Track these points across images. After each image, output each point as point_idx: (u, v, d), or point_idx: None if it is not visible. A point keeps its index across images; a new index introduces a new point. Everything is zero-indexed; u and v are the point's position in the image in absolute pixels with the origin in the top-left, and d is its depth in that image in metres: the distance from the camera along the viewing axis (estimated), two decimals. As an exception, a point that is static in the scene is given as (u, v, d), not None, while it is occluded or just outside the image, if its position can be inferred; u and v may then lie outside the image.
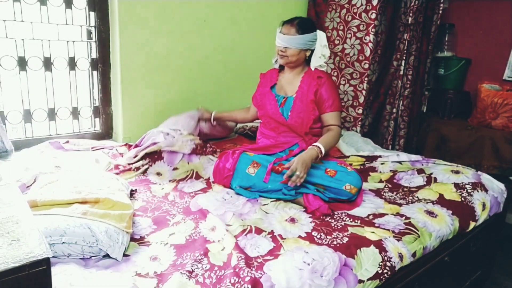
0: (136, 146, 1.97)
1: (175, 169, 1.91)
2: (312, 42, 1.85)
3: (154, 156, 1.91)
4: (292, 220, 1.53)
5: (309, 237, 1.39)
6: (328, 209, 1.62)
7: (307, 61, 1.92)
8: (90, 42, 2.15)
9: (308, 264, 1.20)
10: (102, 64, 2.19)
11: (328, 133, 1.83)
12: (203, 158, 2.01)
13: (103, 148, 1.97)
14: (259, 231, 1.42)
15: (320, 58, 1.87)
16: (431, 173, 1.96)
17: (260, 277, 1.13)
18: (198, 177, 1.91)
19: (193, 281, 1.11)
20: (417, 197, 1.79)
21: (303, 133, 1.87)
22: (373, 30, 2.71)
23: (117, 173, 1.76)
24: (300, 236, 1.39)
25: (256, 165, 1.79)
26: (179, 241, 1.32)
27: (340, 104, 1.90)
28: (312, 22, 1.93)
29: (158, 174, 1.88)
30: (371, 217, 1.59)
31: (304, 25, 1.82)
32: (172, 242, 1.31)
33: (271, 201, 1.69)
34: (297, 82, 1.92)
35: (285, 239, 1.37)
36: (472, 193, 1.81)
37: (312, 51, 1.88)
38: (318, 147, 1.71)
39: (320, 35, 1.87)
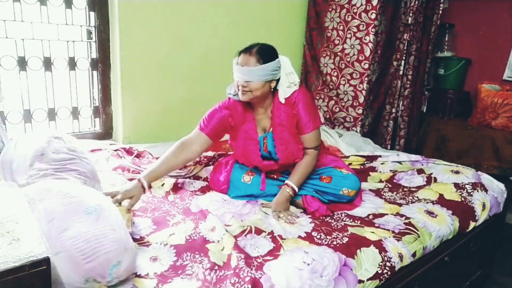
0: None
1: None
2: (276, 71, 1.59)
3: None
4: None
5: (309, 237, 1.39)
6: (327, 210, 1.62)
7: (274, 90, 1.66)
8: (90, 42, 2.15)
9: (308, 264, 1.20)
10: (102, 64, 2.19)
11: (300, 164, 1.67)
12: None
13: (100, 150, 1.96)
14: (258, 231, 1.42)
15: (289, 88, 1.62)
16: (431, 173, 1.96)
17: (260, 277, 1.13)
18: (197, 177, 1.91)
19: (194, 281, 1.11)
20: (417, 197, 1.79)
21: (293, 163, 1.70)
22: (373, 30, 2.70)
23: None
24: (300, 236, 1.39)
25: (251, 173, 1.75)
26: (179, 242, 1.32)
27: (318, 119, 1.69)
28: (272, 48, 1.63)
29: None
30: (371, 217, 1.59)
31: (265, 52, 1.58)
32: (172, 243, 1.31)
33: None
34: (268, 116, 1.69)
35: (285, 239, 1.37)
36: (472, 193, 1.81)
37: (277, 80, 1.63)
38: (290, 186, 1.62)
39: (284, 61, 1.62)
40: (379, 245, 1.35)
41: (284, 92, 1.62)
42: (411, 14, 2.83)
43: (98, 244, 1.03)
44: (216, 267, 1.18)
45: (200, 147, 1.69)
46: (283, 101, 1.63)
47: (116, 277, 1.04)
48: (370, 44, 2.73)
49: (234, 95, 1.68)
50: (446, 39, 3.41)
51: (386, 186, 1.93)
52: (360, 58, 2.79)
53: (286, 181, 1.64)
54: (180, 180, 1.81)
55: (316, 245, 1.32)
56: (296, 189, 1.62)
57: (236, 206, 1.63)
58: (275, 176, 1.74)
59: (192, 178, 1.88)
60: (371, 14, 2.69)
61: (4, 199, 1.10)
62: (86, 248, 1.01)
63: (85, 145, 1.91)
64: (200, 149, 1.70)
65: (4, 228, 0.91)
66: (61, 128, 2.16)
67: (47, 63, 2.02)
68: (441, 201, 1.74)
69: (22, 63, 1.94)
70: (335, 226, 1.48)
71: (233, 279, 1.11)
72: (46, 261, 0.81)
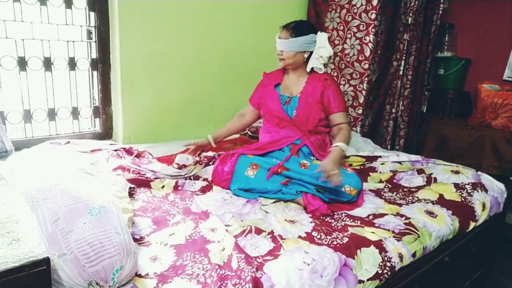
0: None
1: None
2: (308, 44, 1.87)
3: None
4: (292, 220, 1.53)
5: (309, 237, 1.38)
6: (328, 209, 1.62)
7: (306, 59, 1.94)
8: (90, 42, 2.15)
9: (308, 264, 1.20)
10: (102, 64, 2.19)
11: (341, 132, 1.88)
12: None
13: (100, 150, 1.96)
14: (258, 231, 1.42)
15: (317, 59, 1.90)
16: (431, 173, 1.96)
17: (261, 277, 1.13)
18: (197, 177, 1.91)
19: (194, 282, 1.11)
20: (417, 197, 1.78)
21: (307, 130, 1.91)
22: (373, 30, 2.70)
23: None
24: (300, 236, 1.39)
25: (255, 167, 1.79)
26: (179, 241, 1.32)
27: (345, 104, 1.97)
28: (309, 24, 1.96)
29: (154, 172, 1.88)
30: (371, 217, 1.58)
31: (298, 28, 1.87)
32: (172, 243, 1.31)
33: (271, 202, 1.70)
34: (301, 83, 1.96)
35: (285, 239, 1.37)
36: (472, 193, 1.81)
37: (311, 52, 1.91)
38: (339, 146, 1.75)
39: (320, 37, 1.88)
40: (379, 245, 1.35)
41: (313, 62, 1.90)
42: (411, 14, 2.83)
43: (103, 248, 1.03)
44: (217, 267, 1.18)
45: (250, 116, 2.12)
46: (308, 69, 1.92)
47: (118, 282, 1.04)
48: (370, 44, 2.73)
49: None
50: (446, 39, 3.41)
51: (386, 186, 1.93)
52: (360, 58, 2.79)
53: (334, 143, 1.79)
54: (180, 182, 1.81)
55: (316, 245, 1.32)
56: (346, 148, 1.78)
57: (236, 206, 1.63)
58: (279, 170, 1.75)
59: (192, 178, 1.88)
60: (371, 14, 2.69)
61: (4, 199, 1.10)
62: (90, 251, 1.02)
63: (85, 146, 1.92)
64: (251, 118, 2.13)
65: (4, 228, 0.91)
66: (61, 128, 2.16)
67: (47, 63, 2.02)
68: (441, 201, 1.74)
69: (22, 63, 1.94)
70: (335, 226, 1.48)
71: (234, 280, 1.11)
72: (46, 261, 0.81)
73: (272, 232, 1.41)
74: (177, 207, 1.58)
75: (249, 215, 1.56)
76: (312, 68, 1.93)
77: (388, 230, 1.46)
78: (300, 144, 1.90)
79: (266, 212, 1.58)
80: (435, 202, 1.72)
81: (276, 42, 1.92)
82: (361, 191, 1.73)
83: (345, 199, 1.67)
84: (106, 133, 2.31)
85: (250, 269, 1.15)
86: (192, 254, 1.24)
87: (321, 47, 1.88)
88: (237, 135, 2.54)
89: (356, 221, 1.53)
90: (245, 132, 2.55)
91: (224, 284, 1.10)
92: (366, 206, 1.69)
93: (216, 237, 1.36)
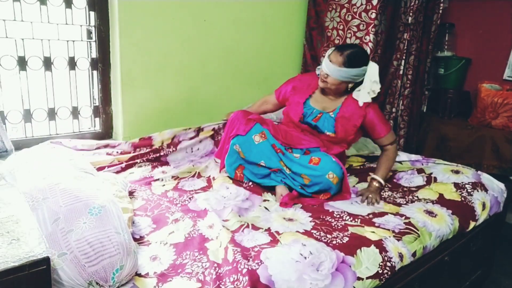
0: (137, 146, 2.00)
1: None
2: (357, 77, 1.82)
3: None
4: (291, 219, 1.53)
5: (307, 234, 1.39)
6: (294, 199, 1.69)
7: (350, 88, 1.88)
8: (90, 42, 2.15)
9: (305, 257, 1.20)
10: (102, 64, 2.19)
11: (383, 158, 1.91)
12: (208, 162, 2.06)
13: (104, 147, 1.98)
14: (256, 228, 1.42)
15: (368, 94, 1.84)
16: (431, 173, 1.97)
17: (257, 269, 1.14)
18: (199, 175, 1.93)
19: (194, 280, 1.11)
20: (417, 196, 1.79)
21: (335, 143, 1.92)
22: (373, 29, 2.70)
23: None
24: (298, 231, 1.40)
25: (263, 137, 1.79)
26: (179, 240, 1.32)
27: (389, 125, 1.99)
28: (365, 56, 1.85)
29: (163, 172, 1.91)
30: (371, 216, 1.59)
31: (353, 58, 1.77)
32: (172, 241, 1.31)
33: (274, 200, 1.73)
34: (338, 103, 1.92)
35: (282, 233, 1.37)
36: (472, 192, 1.81)
37: (358, 83, 1.85)
38: (377, 180, 1.83)
39: (372, 69, 1.83)
40: (380, 245, 1.35)
41: (364, 96, 1.83)
42: (411, 14, 2.83)
43: (103, 248, 1.03)
44: (216, 265, 1.18)
45: (272, 106, 2.15)
46: (361, 103, 1.84)
47: (118, 281, 1.05)
48: (370, 44, 2.73)
49: (318, 74, 1.91)
50: (446, 38, 3.40)
51: (386, 186, 1.93)
52: (360, 57, 2.79)
53: (373, 176, 1.86)
54: (180, 184, 1.82)
55: (315, 240, 1.32)
56: (382, 182, 1.83)
57: (236, 201, 1.64)
58: (277, 149, 1.80)
59: (195, 177, 1.90)
60: (371, 13, 2.69)
61: (4, 199, 1.10)
62: (90, 251, 1.02)
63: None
64: (272, 108, 2.16)
65: (4, 228, 0.91)
66: (61, 128, 2.16)
67: (47, 63, 2.02)
68: (441, 200, 1.74)
69: (22, 63, 1.94)
70: (336, 225, 1.48)
71: (232, 276, 1.12)
72: (46, 261, 0.81)
73: (269, 229, 1.42)
74: (176, 205, 1.58)
75: (247, 212, 1.57)
76: (349, 93, 1.89)
77: (388, 229, 1.46)
78: (317, 151, 1.88)
79: (266, 209, 1.58)
80: (435, 202, 1.72)
81: (324, 63, 1.83)
82: (345, 182, 1.77)
83: (327, 188, 1.71)
84: (106, 133, 2.31)
85: (246, 262, 1.16)
86: (192, 253, 1.25)
87: (374, 81, 1.82)
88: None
89: (356, 220, 1.53)
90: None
91: (222, 282, 1.11)
92: (366, 205, 1.70)
93: (213, 234, 1.37)
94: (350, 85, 1.86)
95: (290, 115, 1.96)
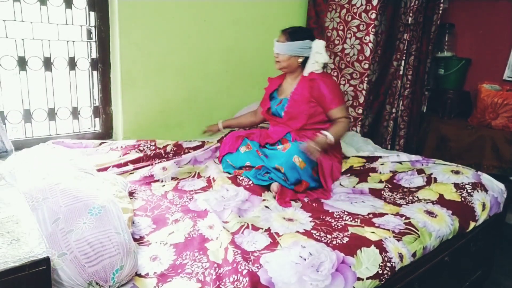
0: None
1: (180, 166, 1.99)
2: (302, 49, 1.99)
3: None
4: (291, 219, 1.53)
5: (307, 234, 1.39)
6: (286, 197, 1.75)
7: (304, 66, 2.05)
8: (90, 42, 2.15)
9: (305, 259, 1.20)
10: (102, 64, 2.19)
11: (334, 124, 2.00)
12: (208, 162, 2.10)
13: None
14: (256, 229, 1.42)
15: (313, 64, 2.01)
16: (431, 173, 1.96)
17: (257, 271, 1.14)
18: (199, 176, 1.93)
19: (194, 281, 1.11)
20: (417, 197, 1.78)
21: (296, 128, 2.05)
22: (373, 30, 2.70)
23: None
24: (298, 232, 1.40)
25: (249, 147, 2.03)
26: (179, 240, 1.32)
27: (342, 98, 2.06)
28: (306, 31, 2.10)
29: (164, 168, 1.92)
30: (371, 216, 1.59)
31: (295, 33, 1.99)
32: (172, 242, 1.31)
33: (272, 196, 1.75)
34: (293, 86, 2.09)
35: (282, 235, 1.37)
36: (472, 193, 1.81)
37: (307, 58, 2.02)
38: (324, 134, 1.89)
39: (317, 43, 2.00)
40: (380, 245, 1.35)
41: (310, 67, 2.01)
42: (411, 14, 2.83)
43: (103, 248, 1.03)
44: (216, 265, 1.18)
45: (259, 116, 2.29)
46: (306, 74, 2.02)
47: (118, 282, 1.05)
48: (370, 44, 2.73)
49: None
50: (446, 39, 3.40)
51: (386, 186, 1.93)
52: (360, 58, 2.79)
53: (322, 131, 1.93)
54: (180, 184, 1.82)
55: (315, 241, 1.32)
56: (329, 136, 1.89)
57: (236, 202, 1.64)
58: (257, 151, 1.99)
59: (195, 177, 1.90)
60: (371, 14, 2.69)
61: (4, 199, 1.10)
62: (90, 251, 1.02)
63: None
64: (259, 119, 2.30)
65: (4, 228, 0.91)
66: (61, 128, 2.16)
67: (47, 63, 2.02)
68: (441, 201, 1.74)
69: (22, 63, 1.94)
70: (336, 226, 1.48)
71: (232, 276, 1.12)
72: (46, 261, 0.81)
73: (269, 229, 1.42)
74: (176, 206, 1.58)
75: (247, 212, 1.57)
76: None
77: (388, 230, 1.46)
78: (291, 139, 2.02)
79: (267, 207, 1.59)
80: (435, 202, 1.72)
81: (274, 46, 2.04)
82: (327, 181, 1.85)
83: (298, 176, 1.78)
84: (106, 133, 2.31)
85: (247, 264, 1.16)
86: (191, 253, 1.25)
87: (317, 52, 1.98)
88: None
89: (356, 220, 1.53)
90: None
91: (222, 282, 1.11)
92: (366, 205, 1.70)
93: (214, 234, 1.37)
94: (299, 60, 2.01)
95: (263, 109, 2.18)
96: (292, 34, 1.99)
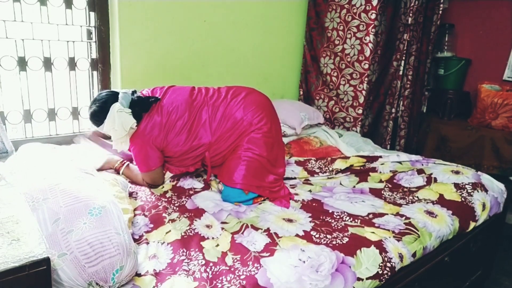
0: None
1: None
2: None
3: None
4: (290, 219, 1.53)
5: (307, 236, 1.39)
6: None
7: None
8: (90, 42, 2.15)
9: (304, 262, 1.20)
10: (102, 64, 2.19)
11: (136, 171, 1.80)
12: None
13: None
14: (255, 229, 1.42)
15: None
16: (431, 173, 1.96)
17: (256, 273, 1.14)
18: (198, 176, 1.92)
19: (191, 278, 1.12)
20: (417, 197, 1.78)
21: None
22: (373, 30, 2.71)
23: None
24: (297, 235, 1.40)
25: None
26: (175, 239, 1.33)
27: (145, 167, 1.73)
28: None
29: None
30: (370, 216, 1.59)
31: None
32: (169, 240, 1.32)
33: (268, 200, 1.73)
34: None
35: (281, 237, 1.37)
36: (472, 193, 1.81)
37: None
38: (121, 165, 1.81)
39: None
40: (380, 246, 1.35)
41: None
42: (411, 14, 2.83)
43: (103, 249, 1.03)
44: (211, 264, 1.19)
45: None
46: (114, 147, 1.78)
47: (118, 282, 1.05)
48: (370, 44, 2.73)
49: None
50: (446, 39, 3.41)
51: (386, 186, 1.93)
52: (360, 58, 2.79)
53: (125, 162, 1.82)
54: (179, 183, 1.82)
55: (314, 244, 1.32)
56: (120, 171, 1.79)
57: (232, 204, 1.64)
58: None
59: (194, 177, 1.90)
60: (371, 14, 2.69)
61: (4, 199, 1.10)
62: (90, 252, 1.02)
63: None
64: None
65: (4, 228, 0.91)
66: (61, 128, 2.16)
67: (47, 63, 2.02)
68: (441, 201, 1.74)
69: (22, 63, 1.94)
70: (336, 226, 1.48)
71: (229, 275, 1.12)
72: (46, 261, 0.81)
73: (268, 230, 1.42)
74: (173, 205, 1.59)
75: (245, 214, 1.57)
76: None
77: (388, 230, 1.46)
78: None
79: (264, 211, 1.58)
80: (435, 202, 1.72)
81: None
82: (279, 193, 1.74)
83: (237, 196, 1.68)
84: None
85: (246, 269, 1.16)
86: (188, 251, 1.26)
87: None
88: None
89: (356, 221, 1.53)
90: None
91: (219, 280, 1.11)
92: (366, 205, 1.69)
93: (211, 234, 1.37)
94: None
95: None
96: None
